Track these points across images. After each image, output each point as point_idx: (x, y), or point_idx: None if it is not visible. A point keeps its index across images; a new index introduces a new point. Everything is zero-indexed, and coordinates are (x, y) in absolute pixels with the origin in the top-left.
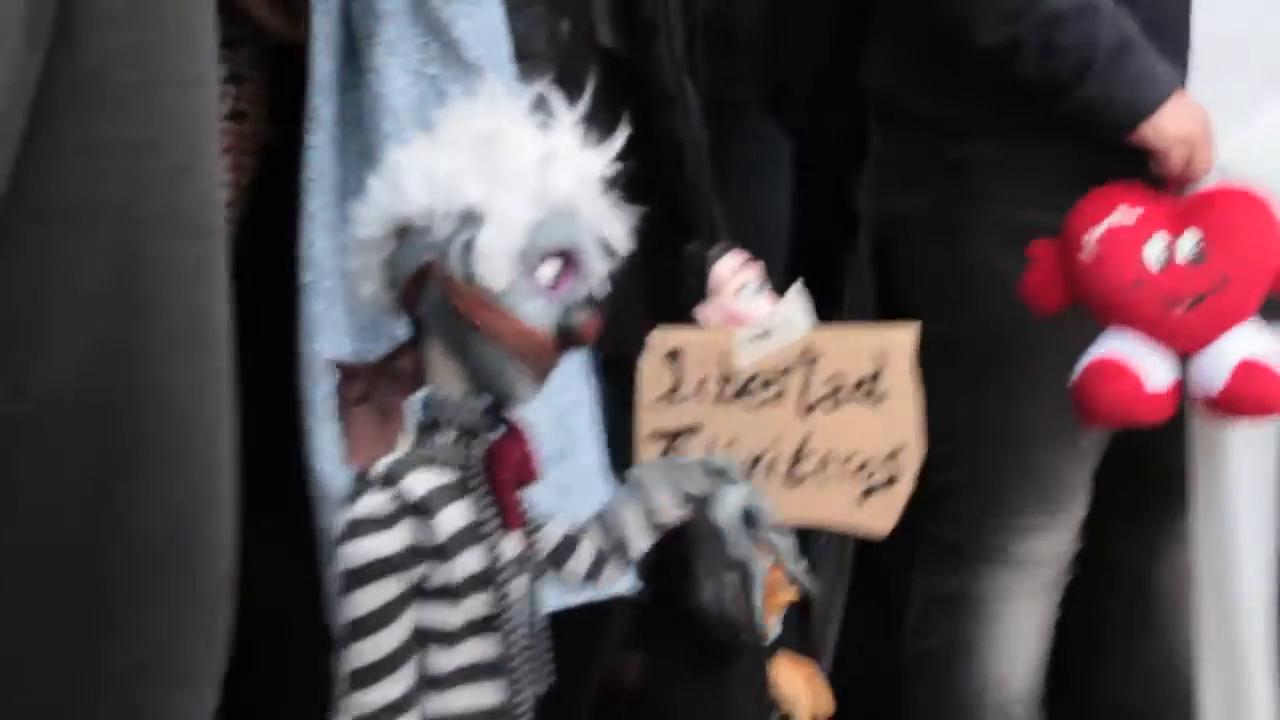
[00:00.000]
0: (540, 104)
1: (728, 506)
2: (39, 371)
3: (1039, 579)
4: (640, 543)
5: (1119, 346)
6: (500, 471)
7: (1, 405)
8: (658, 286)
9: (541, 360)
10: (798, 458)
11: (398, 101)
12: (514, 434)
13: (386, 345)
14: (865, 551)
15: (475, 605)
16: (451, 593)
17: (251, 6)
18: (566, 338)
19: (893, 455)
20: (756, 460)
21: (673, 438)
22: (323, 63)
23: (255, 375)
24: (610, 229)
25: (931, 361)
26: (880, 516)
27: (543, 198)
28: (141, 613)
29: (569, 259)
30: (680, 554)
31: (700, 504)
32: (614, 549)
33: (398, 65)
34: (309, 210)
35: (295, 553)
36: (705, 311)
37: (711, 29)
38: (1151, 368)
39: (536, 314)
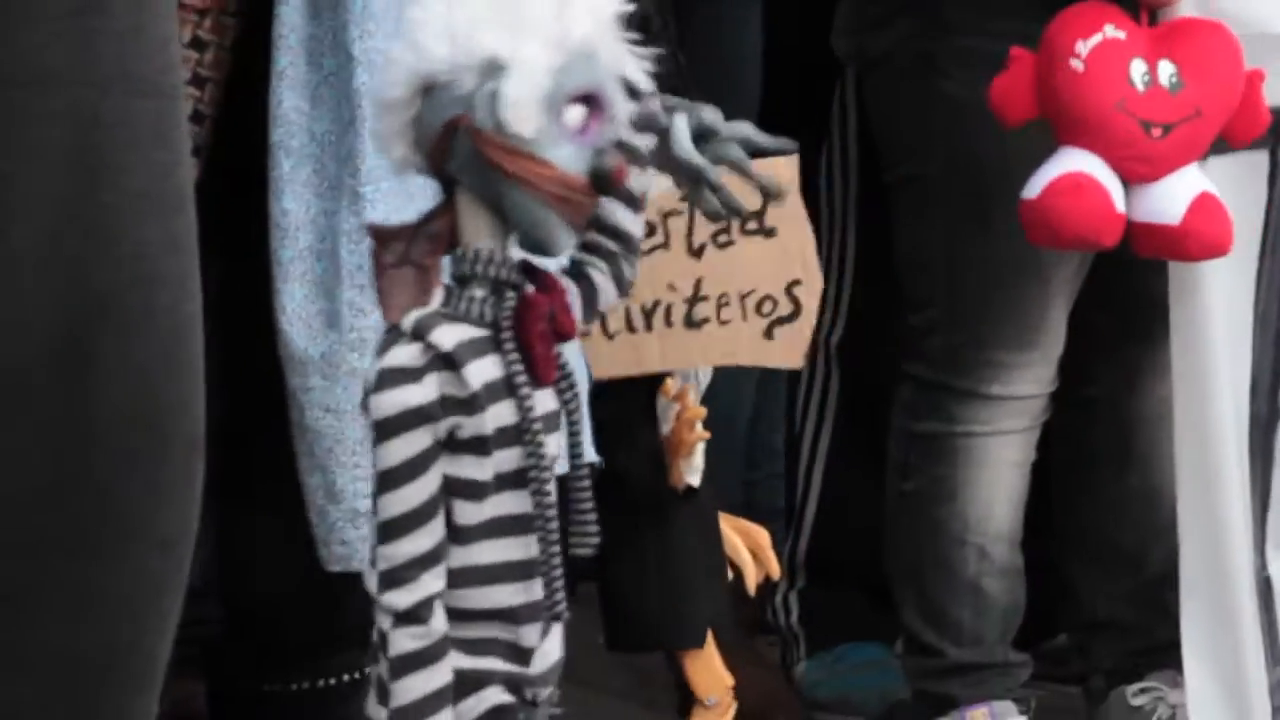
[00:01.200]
0: None
1: (678, 137)
2: (5, 235)
3: (1018, 417)
4: (629, 221)
5: (1085, 164)
6: (532, 325)
7: None
8: None
9: (577, 206)
10: (694, 300)
11: None
12: (547, 288)
13: (350, 205)
14: (849, 394)
15: (506, 459)
16: (482, 445)
17: None
18: (600, 181)
19: (791, 288)
20: (654, 307)
21: None
22: None
23: (232, 243)
24: (630, 69)
25: (909, 201)
26: (789, 350)
27: (562, 41)
28: (113, 474)
29: (594, 102)
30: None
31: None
32: (618, 243)
33: None
34: (277, 67)
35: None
36: None
37: None
38: (1113, 189)
39: (568, 159)
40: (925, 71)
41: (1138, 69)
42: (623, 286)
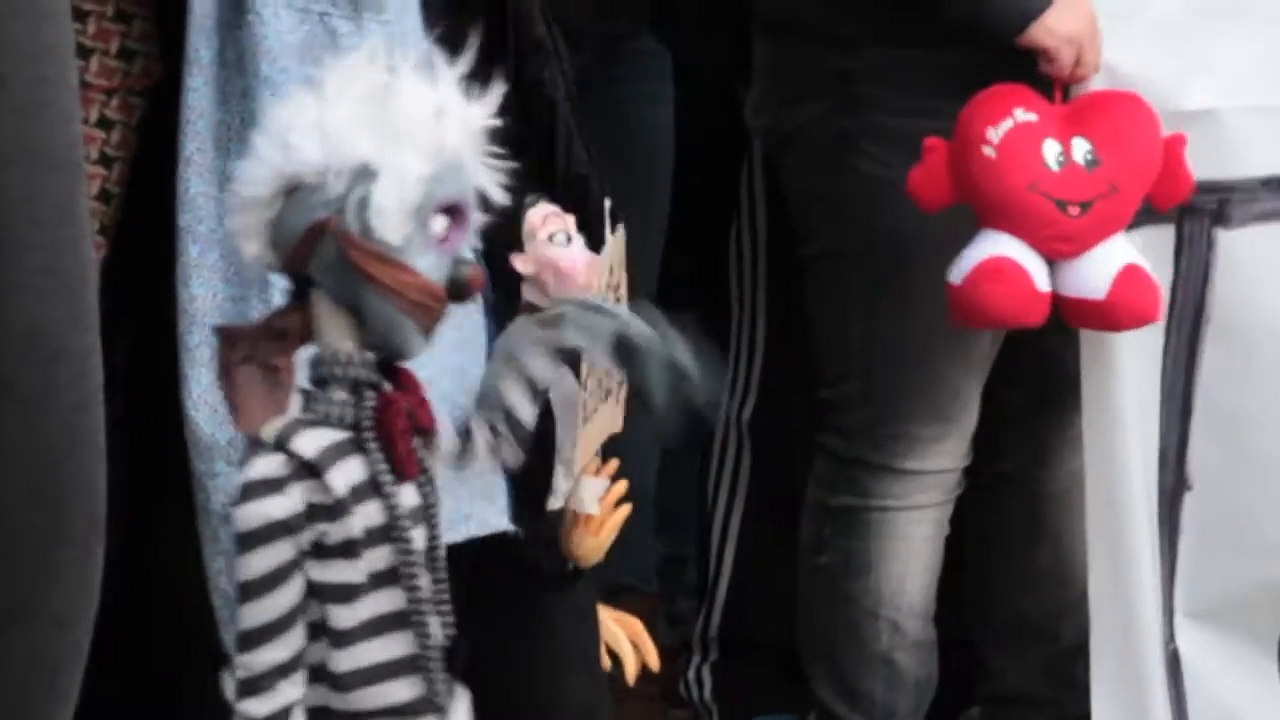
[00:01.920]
0: (426, 57)
1: (600, 341)
2: None
3: (932, 492)
4: (526, 412)
5: (1006, 247)
6: (392, 424)
7: None
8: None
9: (432, 313)
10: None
11: (281, 42)
12: (405, 386)
13: (259, 292)
14: (761, 469)
15: (377, 558)
16: (352, 548)
17: None
18: (457, 289)
19: None
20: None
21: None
22: (201, 3)
23: (142, 318)
24: (489, 182)
25: (825, 274)
26: (619, 417)
27: (435, 151)
28: (11, 552)
29: (456, 212)
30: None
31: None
32: (506, 425)
33: (281, 4)
34: (185, 154)
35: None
36: (518, 260)
37: None
38: (1035, 270)
39: (430, 267)
40: (841, 149)
41: (1051, 150)
42: (494, 458)
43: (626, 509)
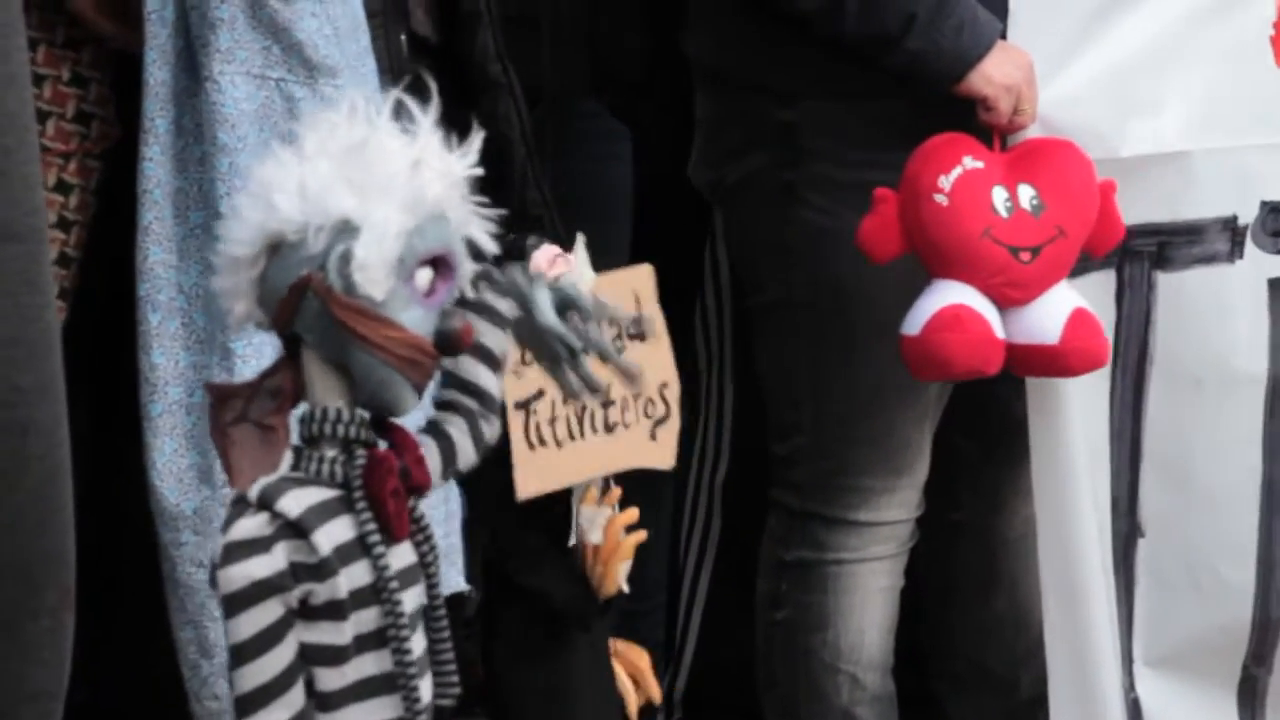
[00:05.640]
0: (398, 110)
1: (542, 308)
2: None
3: (887, 543)
4: (491, 381)
5: (960, 297)
6: (381, 483)
7: None
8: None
9: (422, 368)
10: (607, 405)
11: (237, 109)
12: (398, 443)
13: (221, 360)
14: (731, 532)
15: (365, 620)
16: (338, 609)
17: (82, 11)
18: (446, 343)
19: (662, 389)
20: (582, 413)
21: (527, 404)
22: (156, 72)
23: (102, 385)
24: (475, 230)
25: (772, 327)
26: (665, 451)
27: (415, 204)
28: None
29: (442, 264)
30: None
31: (523, 317)
32: (477, 400)
33: (237, 72)
34: (143, 223)
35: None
36: None
37: (524, 19)
38: (990, 318)
39: (415, 321)
40: (784, 200)
41: (999, 196)
42: (480, 445)
43: (639, 536)
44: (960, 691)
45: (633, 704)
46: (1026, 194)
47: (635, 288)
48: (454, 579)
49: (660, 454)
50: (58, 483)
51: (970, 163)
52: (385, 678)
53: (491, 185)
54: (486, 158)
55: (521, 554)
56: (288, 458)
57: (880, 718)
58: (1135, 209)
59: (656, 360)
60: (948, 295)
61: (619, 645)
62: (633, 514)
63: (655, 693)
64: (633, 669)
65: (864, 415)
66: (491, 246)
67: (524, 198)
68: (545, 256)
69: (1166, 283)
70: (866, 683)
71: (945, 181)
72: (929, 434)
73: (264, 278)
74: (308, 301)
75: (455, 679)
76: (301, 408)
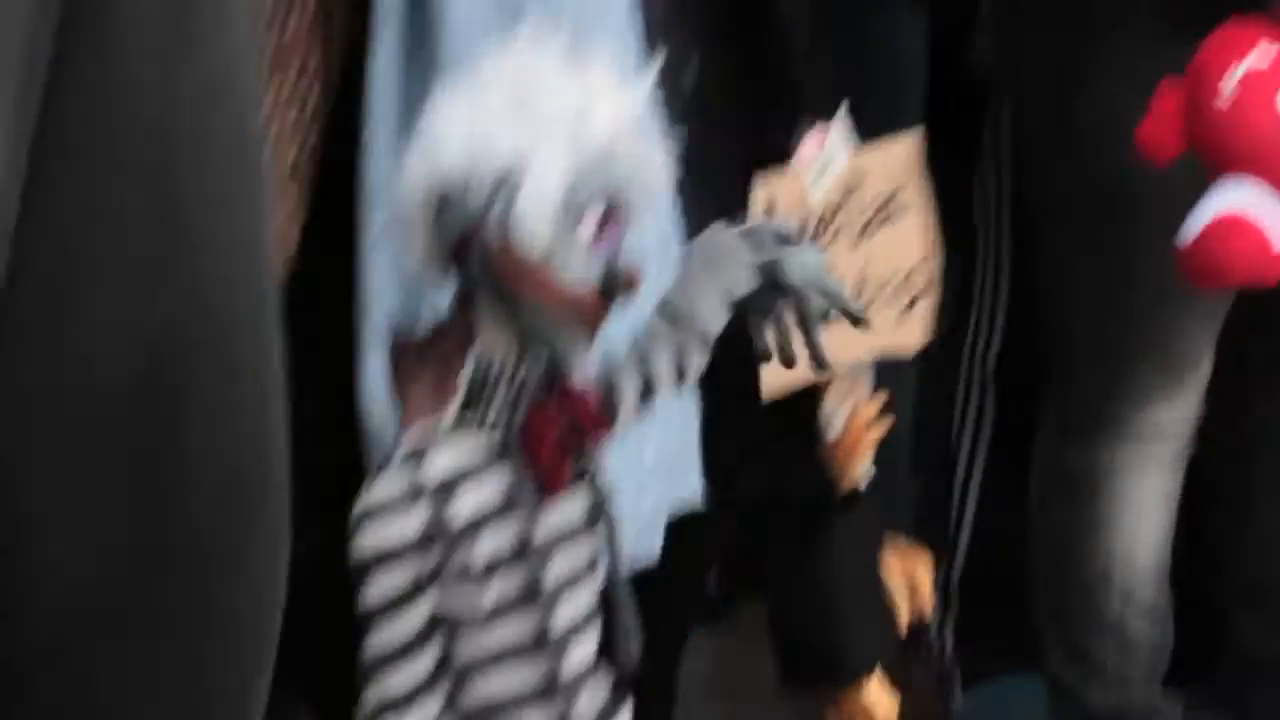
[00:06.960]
0: (574, 42)
1: (804, 268)
2: (80, 320)
3: (1162, 450)
4: (716, 321)
5: (1243, 200)
6: (542, 435)
7: (43, 374)
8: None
9: (590, 319)
10: (858, 292)
11: (464, 13)
12: (564, 397)
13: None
14: (1004, 410)
15: (508, 582)
16: (480, 571)
17: None
18: (612, 291)
19: (916, 271)
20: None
21: None
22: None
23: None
24: (652, 167)
25: (1050, 220)
26: (912, 333)
27: (582, 144)
28: (203, 555)
29: (610, 208)
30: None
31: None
32: (695, 335)
33: None
34: (366, 138)
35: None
36: None
37: None
38: (1275, 224)
39: (581, 271)
40: (1070, 84)
41: None
42: (684, 377)
43: (881, 426)
44: (1245, 602)
45: (904, 615)
46: None
47: (898, 158)
48: (692, 484)
49: (903, 339)
50: (272, 419)
51: (1258, 56)
52: (531, 642)
53: (771, 67)
54: (767, 42)
55: (763, 453)
56: (455, 405)
57: (1154, 629)
58: None
59: (911, 238)
60: (1228, 198)
61: (900, 547)
62: (876, 402)
63: (926, 606)
64: (908, 573)
65: (1142, 315)
66: (669, 181)
67: (811, 78)
68: (811, 144)
69: None
70: (1140, 593)
71: (1228, 82)
72: (1212, 336)
73: (433, 229)
74: (472, 252)
75: (633, 640)
76: (474, 356)
